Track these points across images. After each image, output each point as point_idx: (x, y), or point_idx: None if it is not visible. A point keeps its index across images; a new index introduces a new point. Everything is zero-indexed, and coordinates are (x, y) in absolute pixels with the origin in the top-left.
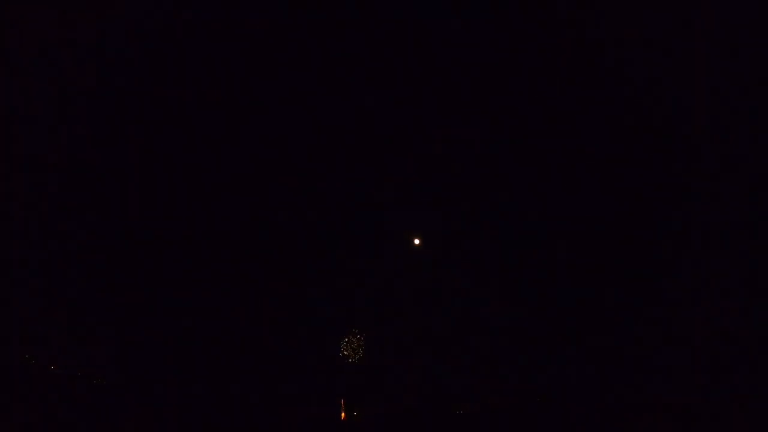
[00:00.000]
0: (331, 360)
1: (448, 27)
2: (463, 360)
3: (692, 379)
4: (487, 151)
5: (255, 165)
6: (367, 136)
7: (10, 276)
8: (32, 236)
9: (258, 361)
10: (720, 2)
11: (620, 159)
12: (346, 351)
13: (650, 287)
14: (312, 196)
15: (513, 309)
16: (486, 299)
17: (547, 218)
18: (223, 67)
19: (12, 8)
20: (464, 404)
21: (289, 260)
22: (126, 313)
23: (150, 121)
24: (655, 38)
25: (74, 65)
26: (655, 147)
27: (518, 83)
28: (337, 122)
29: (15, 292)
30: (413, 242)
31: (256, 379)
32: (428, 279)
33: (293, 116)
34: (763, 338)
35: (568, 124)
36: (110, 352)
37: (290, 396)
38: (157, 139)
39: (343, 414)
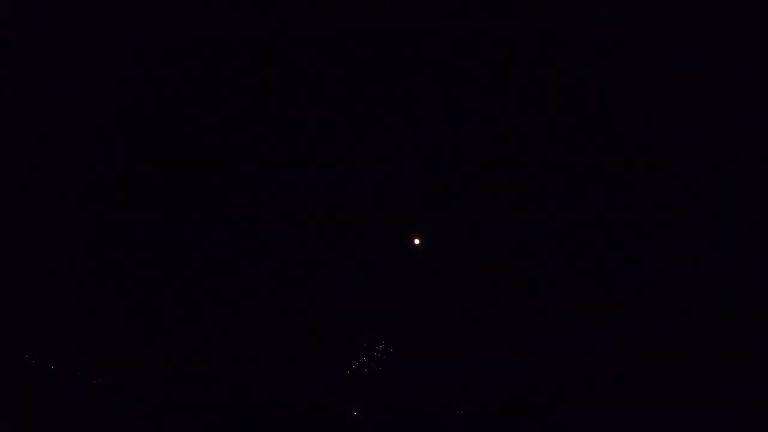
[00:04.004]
0: (330, 361)
1: (449, 26)
2: (464, 359)
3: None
4: (487, 151)
5: (254, 164)
6: (366, 136)
7: (9, 276)
8: (32, 235)
9: (259, 361)
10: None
11: (620, 159)
12: (346, 351)
13: (649, 288)
14: (311, 195)
15: (513, 309)
16: (486, 299)
17: (546, 218)
18: (222, 65)
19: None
20: (464, 404)
21: (288, 260)
22: (126, 312)
23: (147, 119)
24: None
25: (74, 64)
26: (653, 147)
27: (517, 82)
28: (336, 121)
29: (15, 291)
30: (413, 242)
31: (257, 378)
32: (428, 279)
33: (292, 114)
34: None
35: (568, 124)
36: (111, 353)
37: (290, 396)
38: (155, 138)
39: (345, 414)
